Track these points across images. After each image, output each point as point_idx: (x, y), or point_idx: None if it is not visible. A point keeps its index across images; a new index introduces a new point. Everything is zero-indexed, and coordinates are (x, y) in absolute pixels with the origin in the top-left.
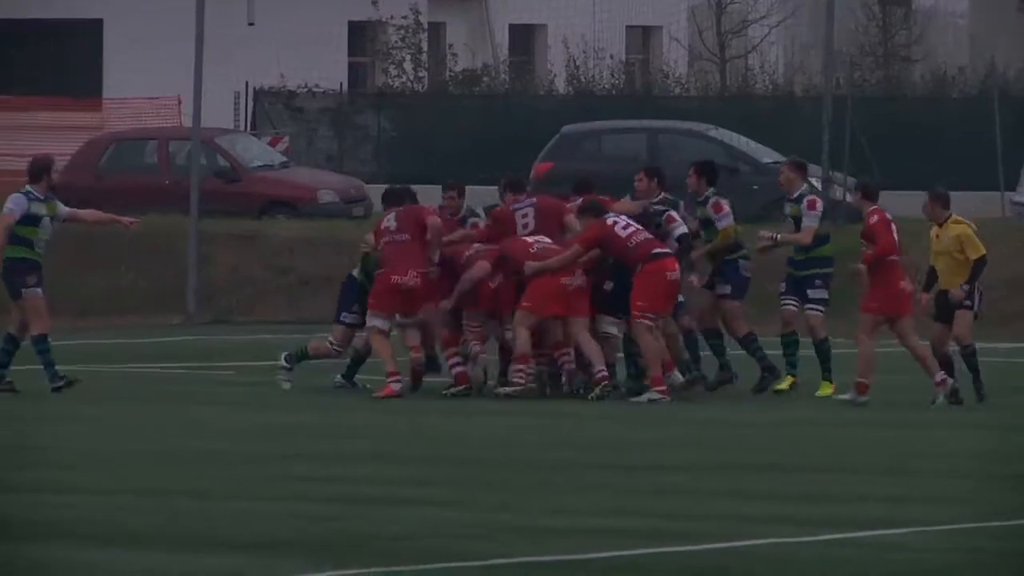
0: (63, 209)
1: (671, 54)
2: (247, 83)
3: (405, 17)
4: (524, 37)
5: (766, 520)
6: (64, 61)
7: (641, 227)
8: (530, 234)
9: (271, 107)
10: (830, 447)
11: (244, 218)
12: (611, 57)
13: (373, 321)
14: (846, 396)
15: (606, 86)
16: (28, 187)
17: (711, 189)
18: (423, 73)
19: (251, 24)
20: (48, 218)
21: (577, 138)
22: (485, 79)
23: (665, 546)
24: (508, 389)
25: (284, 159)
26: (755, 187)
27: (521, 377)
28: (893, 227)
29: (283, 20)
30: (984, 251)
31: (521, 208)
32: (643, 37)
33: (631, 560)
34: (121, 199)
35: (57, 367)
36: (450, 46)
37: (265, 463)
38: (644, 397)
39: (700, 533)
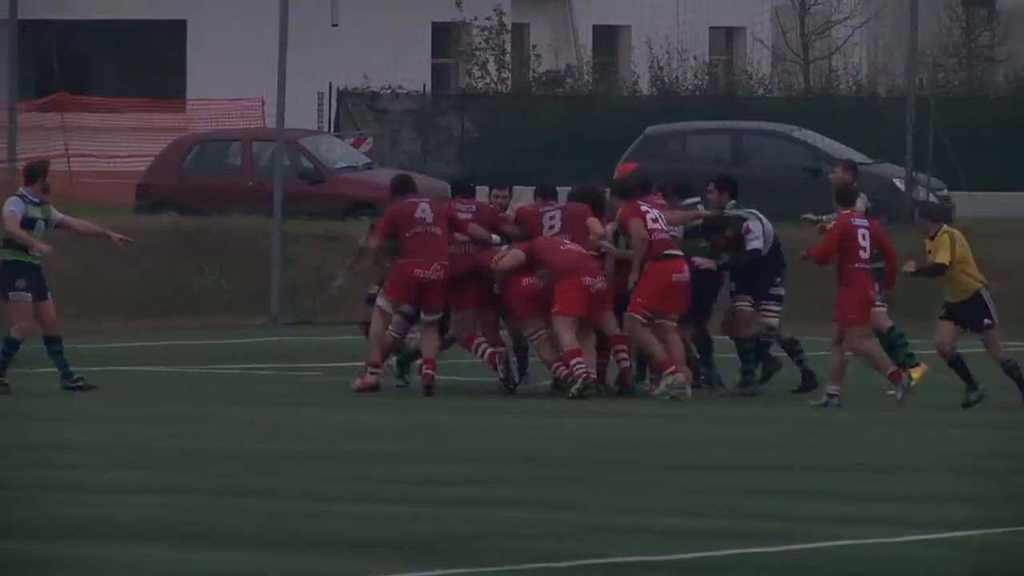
0: (56, 214)
1: (755, 55)
2: (331, 84)
3: (489, 18)
4: (608, 38)
5: (849, 520)
6: (148, 62)
7: (665, 229)
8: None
9: (355, 108)
10: (913, 447)
11: (328, 219)
12: (695, 58)
13: (382, 303)
14: (818, 402)
15: (690, 87)
16: (23, 190)
17: (732, 202)
18: (507, 74)
19: (335, 25)
20: (43, 222)
21: (661, 139)
22: (568, 80)
23: (747, 546)
24: (577, 386)
25: (367, 160)
26: None
27: (579, 370)
28: (859, 234)
29: (367, 21)
30: (947, 261)
31: (549, 211)
32: (726, 38)
33: (712, 560)
34: (204, 200)
35: (71, 370)
36: (534, 47)
37: (346, 463)
38: (663, 386)
39: (782, 533)
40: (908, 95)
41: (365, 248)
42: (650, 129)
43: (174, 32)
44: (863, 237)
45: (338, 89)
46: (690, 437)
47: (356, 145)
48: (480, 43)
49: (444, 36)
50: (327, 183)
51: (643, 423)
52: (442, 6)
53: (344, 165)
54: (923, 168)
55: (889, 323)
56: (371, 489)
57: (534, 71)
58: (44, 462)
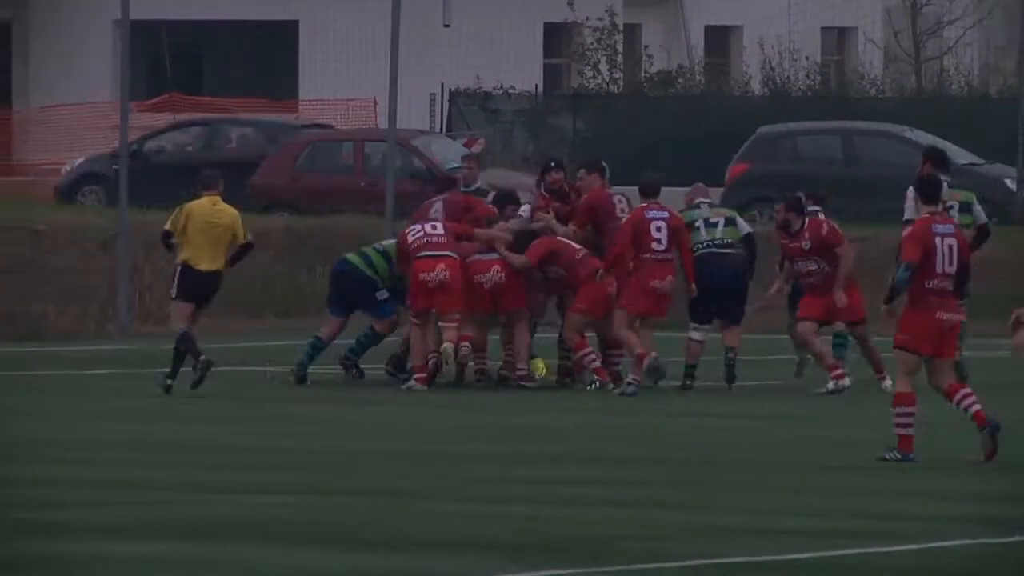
0: None
1: (866, 55)
2: (443, 84)
3: (601, 19)
4: (720, 38)
5: (963, 520)
6: (260, 62)
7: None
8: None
9: (466, 108)
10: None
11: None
12: (806, 58)
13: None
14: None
15: (801, 87)
16: None
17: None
18: (618, 74)
19: (447, 26)
20: None
21: (773, 139)
22: (680, 80)
23: (861, 546)
24: (631, 382)
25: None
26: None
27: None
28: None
29: (479, 22)
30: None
31: (655, 216)
32: (838, 38)
33: (831, 561)
34: (316, 200)
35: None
36: (646, 47)
37: (465, 463)
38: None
39: (899, 534)
40: (1020, 95)
41: None
42: (762, 129)
43: (286, 32)
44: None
45: (450, 89)
46: (797, 437)
47: (468, 145)
48: (592, 43)
49: (556, 36)
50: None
51: (748, 424)
52: (554, 6)
53: (456, 165)
54: None
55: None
56: (489, 489)
57: (646, 71)
58: (170, 462)
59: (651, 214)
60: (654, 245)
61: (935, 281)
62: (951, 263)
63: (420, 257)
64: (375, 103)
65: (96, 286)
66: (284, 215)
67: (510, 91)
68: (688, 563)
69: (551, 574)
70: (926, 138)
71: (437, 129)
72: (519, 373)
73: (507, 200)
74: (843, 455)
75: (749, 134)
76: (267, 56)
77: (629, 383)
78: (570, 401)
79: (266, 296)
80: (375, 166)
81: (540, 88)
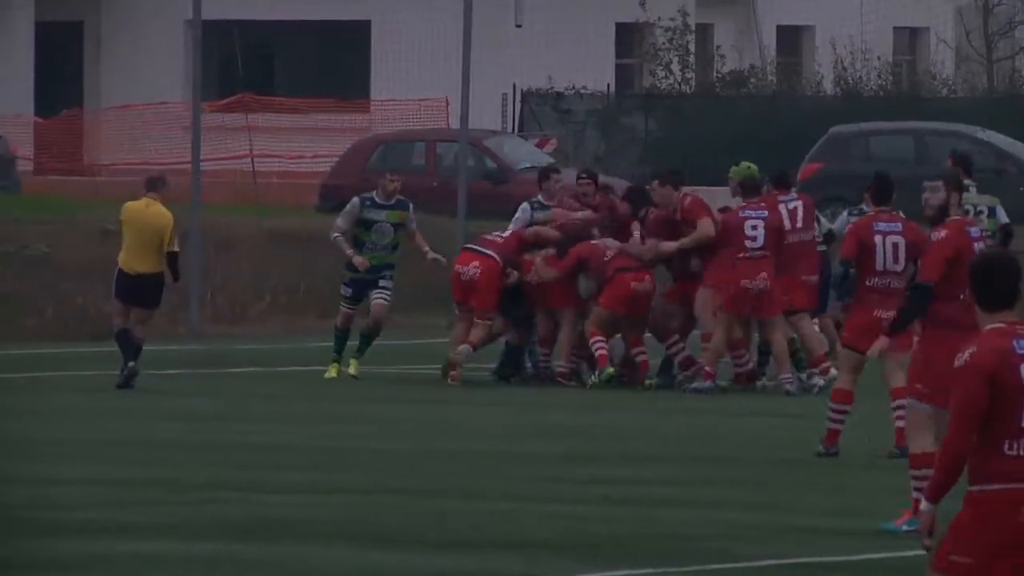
0: None
1: (938, 55)
2: (514, 85)
3: (673, 19)
4: (791, 38)
5: None
6: (332, 62)
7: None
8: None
9: (538, 109)
10: None
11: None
12: (878, 58)
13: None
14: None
15: (873, 87)
16: None
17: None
18: (690, 74)
19: (519, 26)
20: None
21: (845, 139)
22: (752, 80)
23: None
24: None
25: (551, 161)
26: (1022, 188)
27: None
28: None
29: (551, 22)
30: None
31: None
32: (910, 38)
33: (899, 561)
34: None
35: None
36: (717, 47)
37: (529, 463)
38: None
39: None
40: None
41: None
42: (834, 129)
43: (358, 32)
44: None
45: (522, 90)
46: (860, 436)
47: (540, 146)
48: (664, 43)
49: (628, 36)
50: (511, 183)
51: (814, 424)
52: (626, 6)
53: (528, 165)
54: None
55: None
56: (556, 489)
57: (718, 71)
58: (247, 462)
59: (746, 213)
60: (747, 243)
61: (876, 279)
62: (896, 261)
63: (464, 249)
64: (447, 103)
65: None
66: None
67: (582, 91)
68: (759, 563)
69: (624, 574)
70: (998, 138)
71: (509, 129)
72: (560, 371)
73: (640, 199)
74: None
75: (821, 134)
76: (339, 56)
77: (704, 384)
78: (631, 400)
79: (337, 296)
80: (447, 166)
81: (612, 88)
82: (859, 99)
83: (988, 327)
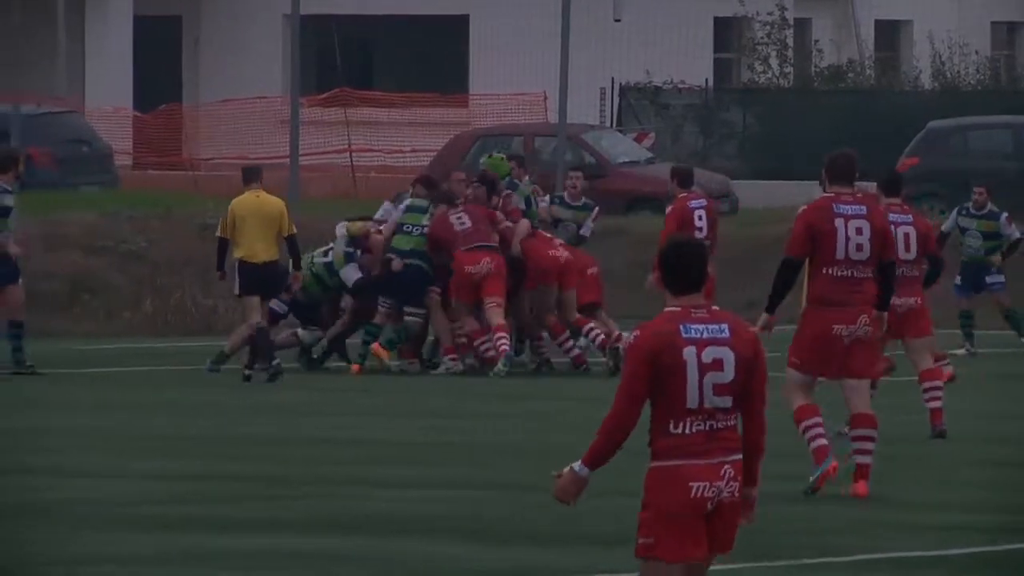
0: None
1: None
2: (613, 79)
3: (771, 13)
4: (889, 32)
5: None
6: (430, 57)
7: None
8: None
9: (636, 103)
10: None
11: (610, 214)
12: (976, 53)
13: None
14: None
15: (971, 82)
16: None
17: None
18: (788, 69)
19: (617, 20)
20: (16, 209)
21: (943, 134)
22: (850, 75)
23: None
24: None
25: (650, 155)
26: None
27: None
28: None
29: (649, 17)
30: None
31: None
32: (1008, 33)
33: (993, 556)
34: None
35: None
36: (816, 42)
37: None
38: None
39: None
40: None
41: None
42: (932, 124)
43: (457, 27)
44: None
45: (620, 84)
46: (979, 431)
47: (638, 140)
48: (762, 38)
49: (726, 31)
50: (609, 178)
51: (906, 419)
52: (724, 1)
53: (626, 160)
54: None
55: None
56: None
57: (816, 66)
58: (333, 458)
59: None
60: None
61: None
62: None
63: (466, 251)
64: (545, 97)
65: None
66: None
67: (680, 86)
68: (857, 558)
69: (721, 569)
70: None
71: (607, 124)
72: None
73: (687, 178)
74: (998, 450)
75: (919, 129)
76: (437, 50)
77: None
78: None
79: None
80: (545, 160)
81: (710, 83)
82: (957, 94)
83: (664, 310)
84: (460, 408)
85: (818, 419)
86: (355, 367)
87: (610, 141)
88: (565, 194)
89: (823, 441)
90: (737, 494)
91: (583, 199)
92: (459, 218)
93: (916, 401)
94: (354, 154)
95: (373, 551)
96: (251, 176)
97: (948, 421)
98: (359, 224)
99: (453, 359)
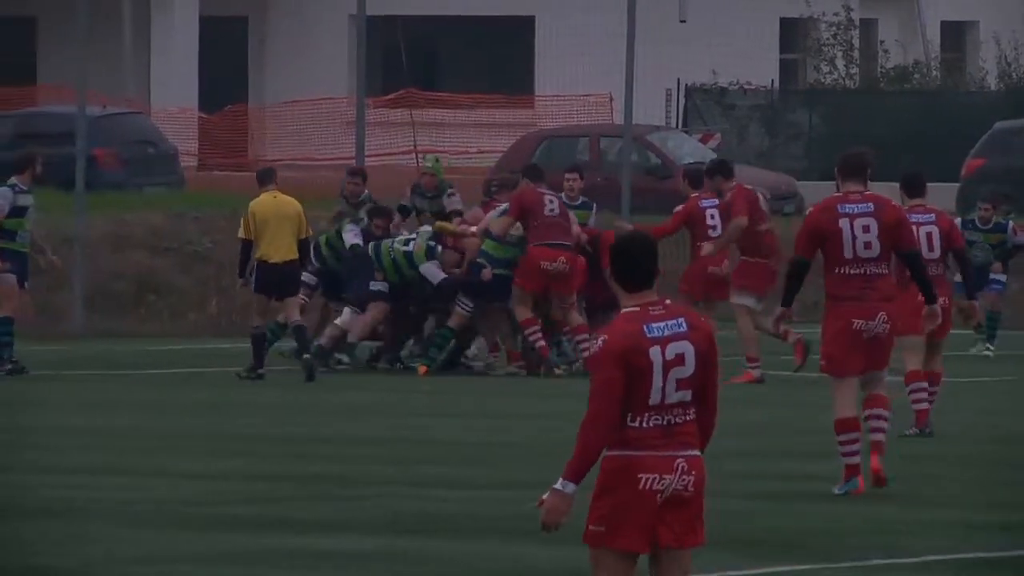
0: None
1: None
2: (679, 80)
3: (837, 14)
4: (955, 33)
5: None
6: (496, 58)
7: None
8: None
9: (702, 104)
10: None
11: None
12: None
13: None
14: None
15: None
16: (13, 179)
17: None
18: (854, 70)
19: (683, 21)
20: (33, 208)
21: (1009, 135)
22: (916, 76)
23: None
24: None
25: (715, 156)
26: None
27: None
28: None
29: (715, 17)
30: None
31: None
32: None
33: None
34: None
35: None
36: (881, 42)
37: None
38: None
39: None
40: None
41: None
42: (998, 125)
43: (522, 28)
44: None
45: (686, 85)
46: (1004, 433)
47: (704, 141)
48: (828, 39)
49: (792, 31)
50: (675, 179)
51: (958, 418)
52: (790, 2)
53: (691, 161)
54: None
55: None
56: (725, 485)
57: (882, 66)
58: (410, 457)
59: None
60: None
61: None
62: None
63: (541, 246)
64: (611, 98)
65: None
66: None
67: (746, 86)
68: (924, 559)
69: (785, 570)
70: None
71: (673, 125)
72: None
73: (697, 179)
74: None
75: (985, 129)
76: (503, 51)
77: None
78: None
79: None
80: (611, 161)
81: (775, 83)
82: (1023, 94)
83: (623, 311)
84: (520, 409)
85: (855, 434)
86: (422, 369)
87: (676, 142)
88: (563, 195)
89: (856, 460)
90: (691, 488)
91: (581, 198)
92: (551, 200)
93: (971, 402)
94: (420, 155)
95: (419, 551)
96: (267, 177)
97: (1003, 422)
98: (452, 226)
99: (520, 365)
